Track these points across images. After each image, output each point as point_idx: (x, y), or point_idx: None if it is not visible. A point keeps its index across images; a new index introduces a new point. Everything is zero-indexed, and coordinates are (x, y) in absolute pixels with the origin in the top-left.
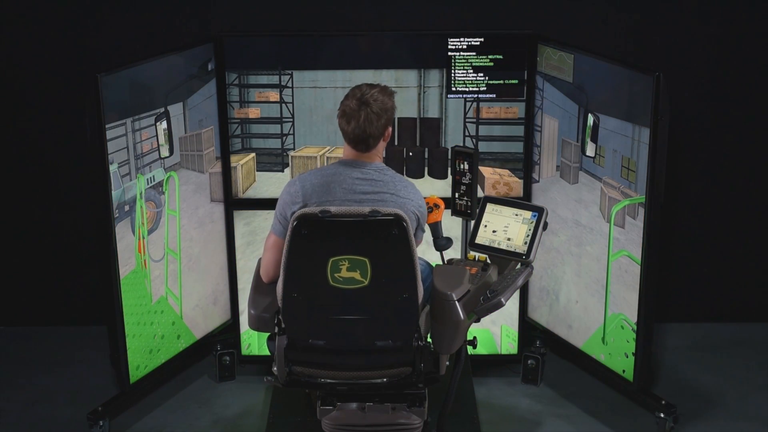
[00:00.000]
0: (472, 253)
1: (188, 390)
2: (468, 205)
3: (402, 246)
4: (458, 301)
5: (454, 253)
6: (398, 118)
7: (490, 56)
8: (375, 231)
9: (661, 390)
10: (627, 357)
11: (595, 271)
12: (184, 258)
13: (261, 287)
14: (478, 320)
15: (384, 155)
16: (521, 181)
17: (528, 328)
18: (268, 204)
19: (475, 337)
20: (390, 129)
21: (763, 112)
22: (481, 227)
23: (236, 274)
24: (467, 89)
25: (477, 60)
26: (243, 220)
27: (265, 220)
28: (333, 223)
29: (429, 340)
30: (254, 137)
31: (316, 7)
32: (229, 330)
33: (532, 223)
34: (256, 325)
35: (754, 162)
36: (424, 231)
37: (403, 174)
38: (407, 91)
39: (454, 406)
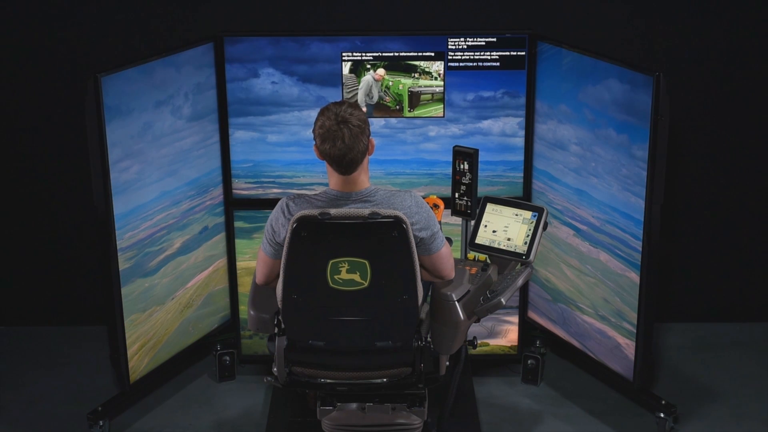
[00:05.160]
0: (472, 253)
1: (188, 390)
2: (468, 205)
3: (402, 248)
4: (458, 301)
5: (454, 253)
6: None
7: (490, 55)
8: (375, 233)
9: (661, 390)
10: None
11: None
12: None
13: (260, 288)
14: (478, 320)
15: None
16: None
17: (528, 328)
18: (268, 204)
19: (474, 337)
20: (373, 141)
21: (763, 112)
22: (481, 227)
23: (236, 274)
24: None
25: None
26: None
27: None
28: (333, 225)
29: (429, 339)
30: None
31: (315, 8)
32: (229, 330)
33: (532, 223)
34: (256, 325)
35: (754, 162)
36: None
37: None
38: None
39: (454, 406)
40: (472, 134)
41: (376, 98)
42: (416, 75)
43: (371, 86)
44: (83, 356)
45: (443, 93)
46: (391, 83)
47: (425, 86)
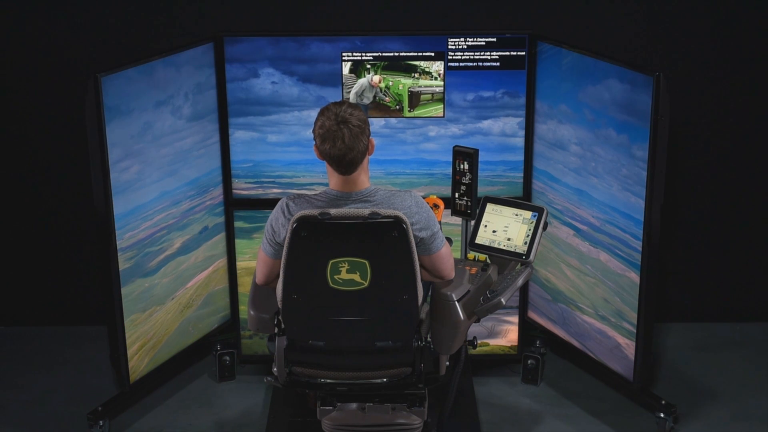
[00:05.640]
0: (472, 253)
1: (188, 390)
2: (468, 205)
3: (402, 248)
4: (458, 301)
5: (454, 253)
6: None
7: (490, 55)
8: (375, 233)
9: (661, 390)
10: None
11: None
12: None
13: (260, 288)
14: (478, 320)
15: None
16: None
17: (528, 328)
18: (268, 204)
19: (474, 337)
20: (373, 141)
21: (763, 112)
22: (481, 227)
23: (236, 274)
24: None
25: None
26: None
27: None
28: (333, 225)
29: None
30: None
31: (316, 8)
32: (229, 330)
33: (532, 223)
34: (256, 325)
35: (754, 162)
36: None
37: None
38: None
39: (454, 406)
40: (472, 134)
41: (368, 102)
42: (416, 75)
43: (364, 89)
44: (83, 356)
45: (443, 93)
46: (391, 83)
47: (425, 86)
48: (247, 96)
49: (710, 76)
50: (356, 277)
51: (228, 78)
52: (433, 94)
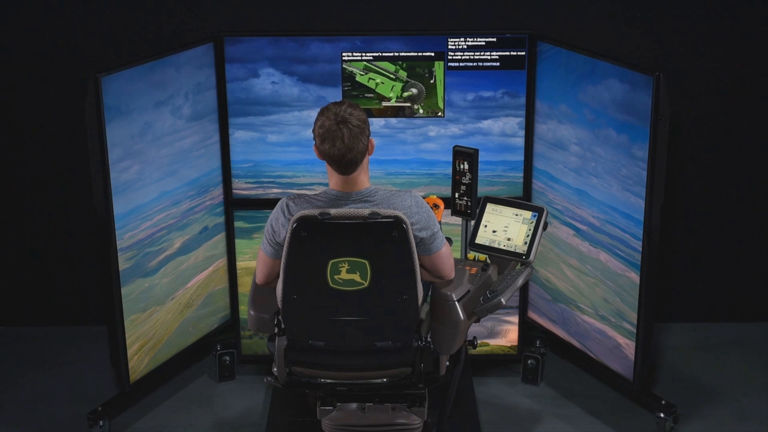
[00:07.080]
0: (472, 253)
1: (188, 390)
2: (468, 205)
3: (402, 248)
4: (458, 301)
5: (454, 253)
6: None
7: (490, 55)
8: (375, 233)
9: (661, 390)
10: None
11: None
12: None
13: (260, 288)
14: (478, 320)
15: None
16: None
17: (528, 328)
18: (268, 204)
19: (474, 337)
20: (373, 141)
21: (763, 112)
22: (481, 227)
23: (236, 274)
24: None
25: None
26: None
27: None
28: (333, 225)
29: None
30: None
31: (316, 8)
32: (229, 330)
33: (532, 223)
34: (256, 325)
35: (754, 162)
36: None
37: None
38: None
39: (454, 406)
40: (472, 134)
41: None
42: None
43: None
44: (83, 356)
45: (443, 93)
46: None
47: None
48: (247, 96)
49: (710, 76)
50: (356, 277)
51: (228, 78)
52: (413, 90)
